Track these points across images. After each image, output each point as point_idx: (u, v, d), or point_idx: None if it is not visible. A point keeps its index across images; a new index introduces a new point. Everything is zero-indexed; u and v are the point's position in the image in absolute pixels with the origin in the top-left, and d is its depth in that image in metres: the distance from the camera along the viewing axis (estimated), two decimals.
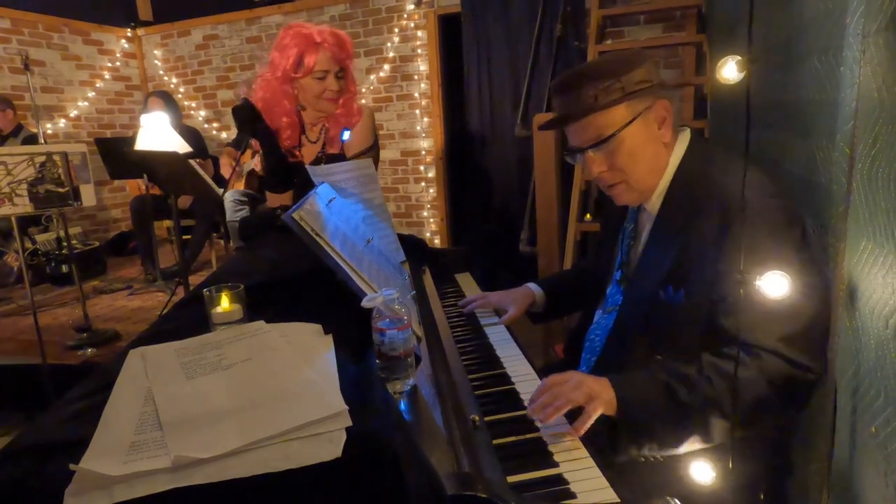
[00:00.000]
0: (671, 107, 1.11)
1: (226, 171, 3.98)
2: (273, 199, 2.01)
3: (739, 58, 0.77)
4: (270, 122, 1.90)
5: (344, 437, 0.65)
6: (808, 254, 0.98)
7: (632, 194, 1.17)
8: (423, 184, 5.08)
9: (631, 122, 1.09)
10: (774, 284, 0.81)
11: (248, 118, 1.85)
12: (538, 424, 0.97)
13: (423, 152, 5.02)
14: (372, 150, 1.98)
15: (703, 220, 1.04)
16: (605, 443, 0.98)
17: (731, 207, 0.99)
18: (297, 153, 1.99)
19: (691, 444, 0.99)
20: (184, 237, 3.69)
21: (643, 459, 1.02)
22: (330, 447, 0.64)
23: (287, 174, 1.98)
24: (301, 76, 1.82)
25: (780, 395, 0.94)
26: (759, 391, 0.94)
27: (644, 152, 1.11)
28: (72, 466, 0.60)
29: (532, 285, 1.54)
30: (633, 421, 0.97)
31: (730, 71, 0.78)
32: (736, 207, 0.98)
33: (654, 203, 1.17)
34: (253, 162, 3.68)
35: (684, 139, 1.16)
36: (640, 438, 0.98)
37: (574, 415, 0.97)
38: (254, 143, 2.48)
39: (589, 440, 0.94)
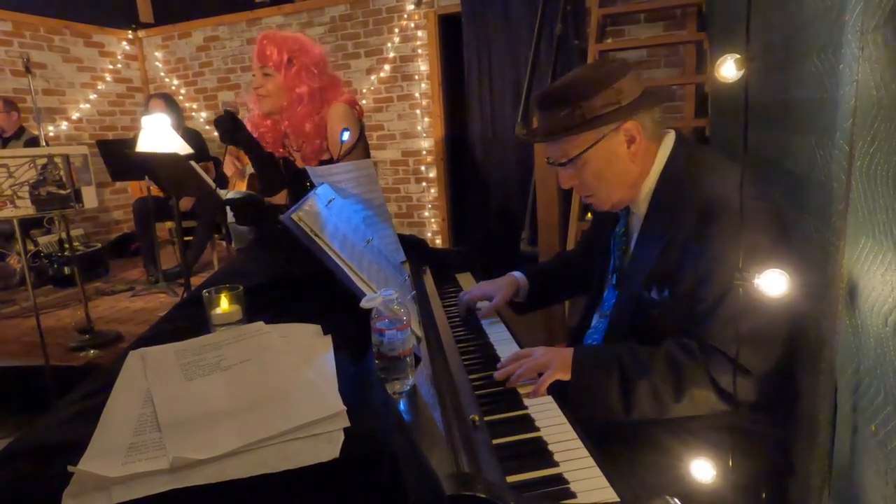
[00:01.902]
0: (641, 125, 1.12)
1: (229, 170, 3.98)
2: (270, 202, 2.03)
3: (738, 56, 0.77)
4: (254, 128, 1.97)
5: (342, 437, 0.65)
6: (778, 258, 0.97)
7: (604, 205, 1.21)
8: (423, 184, 5.08)
9: (593, 145, 1.11)
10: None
11: (227, 128, 1.93)
12: (518, 390, 1.10)
13: (424, 152, 5.02)
14: (359, 143, 1.99)
15: (683, 221, 1.07)
16: (565, 404, 1.05)
17: (708, 209, 1.03)
18: (291, 155, 2.01)
19: (644, 418, 1.05)
20: (185, 238, 3.70)
21: (594, 420, 1.07)
22: (328, 448, 0.64)
23: (275, 175, 2.00)
24: None
25: (720, 391, 1.00)
26: (701, 384, 1.00)
27: (610, 171, 1.14)
28: (70, 468, 0.60)
29: (517, 273, 1.56)
30: (582, 385, 1.07)
31: (728, 69, 0.78)
32: (712, 209, 1.03)
33: (642, 206, 1.18)
34: (250, 167, 3.68)
35: (668, 142, 1.17)
36: (589, 401, 1.06)
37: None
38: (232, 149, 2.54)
39: (589, 438, 0.94)
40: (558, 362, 1.09)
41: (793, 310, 0.97)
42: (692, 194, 1.07)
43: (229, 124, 1.92)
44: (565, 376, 1.08)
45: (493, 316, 1.51)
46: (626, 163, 1.14)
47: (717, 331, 1.01)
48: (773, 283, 0.79)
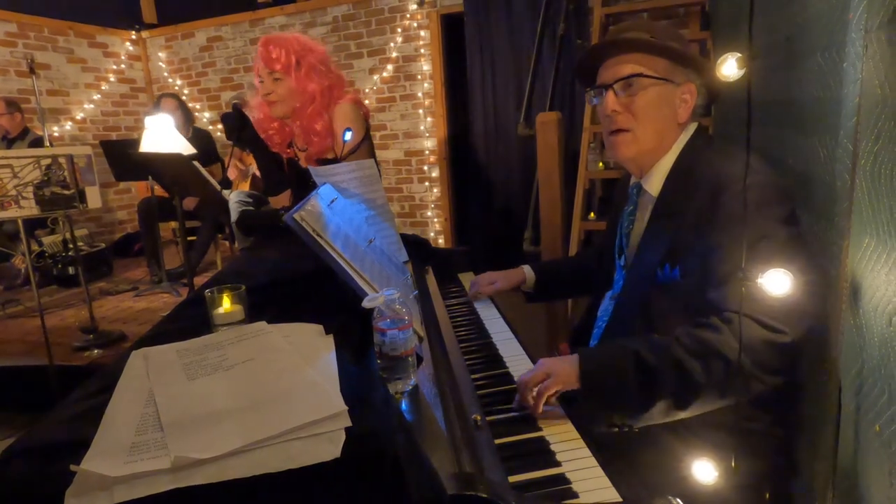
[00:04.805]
0: (696, 95, 1.17)
1: (232, 173, 3.99)
2: (274, 202, 2.03)
3: (739, 54, 0.76)
4: (262, 130, 1.94)
5: (343, 437, 0.65)
6: (795, 229, 1.01)
7: (631, 147, 1.18)
8: (426, 183, 5.08)
9: (664, 79, 1.14)
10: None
11: (235, 126, 1.91)
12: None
13: (427, 152, 5.02)
14: (364, 142, 1.98)
15: (698, 198, 1.08)
16: (583, 416, 1.00)
17: (722, 181, 1.04)
18: (295, 156, 2.01)
19: (665, 415, 1.00)
20: (189, 238, 3.71)
21: (616, 429, 1.04)
22: (329, 447, 0.64)
23: (280, 175, 1.99)
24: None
25: (753, 359, 0.95)
26: (731, 355, 0.94)
27: (659, 113, 1.16)
28: (73, 467, 0.60)
29: (526, 267, 1.65)
30: (596, 390, 1.00)
31: (730, 68, 0.77)
32: (726, 181, 1.03)
33: (656, 185, 1.20)
34: (253, 167, 3.69)
35: (691, 129, 1.21)
36: (607, 407, 1.02)
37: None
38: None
39: (594, 440, 0.94)
40: (562, 372, 1.00)
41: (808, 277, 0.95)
42: (707, 175, 1.09)
43: (236, 122, 1.90)
44: (571, 385, 1.01)
45: (485, 299, 1.66)
46: (673, 117, 1.17)
47: (737, 298, 0.92)
48: (777, 283, 0.78)
